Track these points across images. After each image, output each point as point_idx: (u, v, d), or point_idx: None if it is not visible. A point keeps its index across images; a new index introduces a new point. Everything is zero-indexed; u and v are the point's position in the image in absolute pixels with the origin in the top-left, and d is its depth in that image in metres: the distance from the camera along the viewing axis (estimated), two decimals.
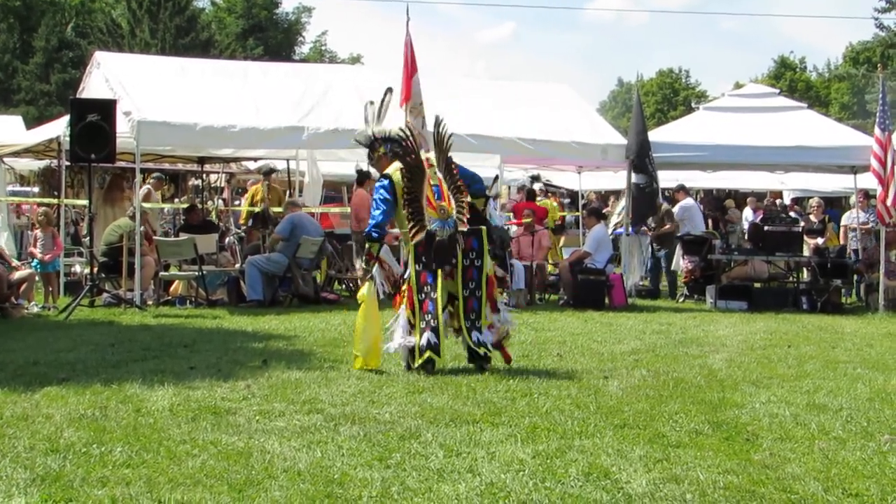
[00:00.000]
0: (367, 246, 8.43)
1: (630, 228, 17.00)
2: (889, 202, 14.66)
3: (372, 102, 8.97)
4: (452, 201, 8.42)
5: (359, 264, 8.49)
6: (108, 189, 16.81)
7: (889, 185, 14.67)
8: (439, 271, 8.29)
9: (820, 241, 18.07)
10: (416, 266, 8.32)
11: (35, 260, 14.20)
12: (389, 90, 9.20)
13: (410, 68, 14.06)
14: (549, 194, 23.79)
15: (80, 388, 7.28)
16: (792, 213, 20.99)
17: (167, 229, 19.25)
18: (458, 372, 8.24)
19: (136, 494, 4.72)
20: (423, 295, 8.31)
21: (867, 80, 57.57)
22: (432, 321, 8.27)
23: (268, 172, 19.19)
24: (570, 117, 16.88)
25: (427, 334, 8.24)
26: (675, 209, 18.07)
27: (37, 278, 13.99)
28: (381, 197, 8.35)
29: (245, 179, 24.44)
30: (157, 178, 20.23)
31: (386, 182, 8.39)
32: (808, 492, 4.97)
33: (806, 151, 16.29)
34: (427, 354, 8.21)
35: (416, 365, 8.21)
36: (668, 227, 17.31)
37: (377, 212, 8.36)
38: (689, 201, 18.75)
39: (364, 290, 8.45)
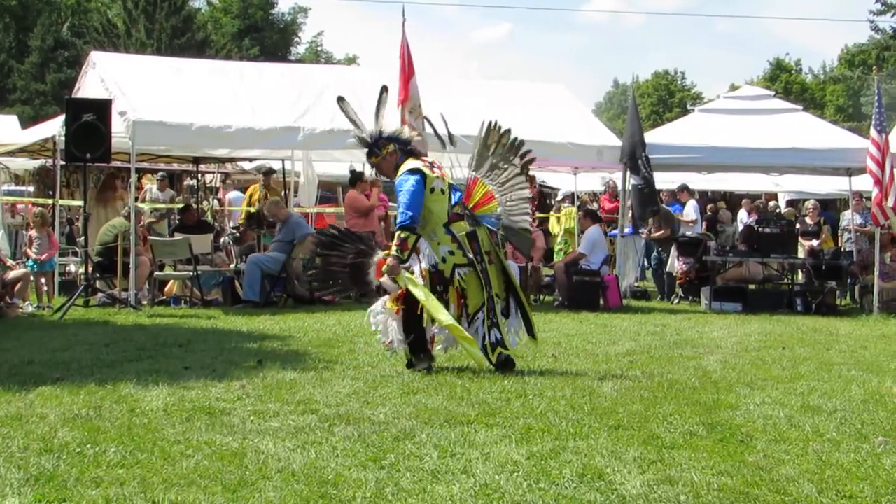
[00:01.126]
0: (401, 236, 8.14)
1: (626, 229, 17.03)
2: (890, 204, 14.64)
3: (342, 99, 8.90)
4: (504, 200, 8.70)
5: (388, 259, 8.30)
6: (101, 189, 16.80)
7: (889, 189, 14.65)
8: (490, 269, 8.42)
9: (815, 242, 18.09)
10: (478, 266, 8.38)
11: (30, 260, 14.19)
12: (385, 88, 9.09)
13: (408, 71, 14.04)
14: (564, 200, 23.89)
15: (74, 387, 7.27)
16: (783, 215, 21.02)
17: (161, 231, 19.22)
18: (452, 373, 8.24)
19: (129, 495, 4.72)
20: (485, 294, 8.41)
21: (862, 83, 57.74)
22: (494, 317, 8.41)
23: (267, 173, 19.18)
24: (566, 118, 16.88)
25: (494, 331, 8.38)
26: (688, 209, 18.27)
27: (32, 278, 13.97)
28: (416, 190, 8.18)
29: (242, 181, 24.44)
30: (161, 177, 20.23)
31: (419, 176, 8.27)
32: (802, 493, 4.97)
33: (801, 153, 16.29)
34: (498, 350, 8.37)
35: (494, 361, 8.35)
36: (663, 231, 17.34)
37: (413, 203, 8.15)
38: (693, 202, 18.93)
39: (407, 283, 8.25)
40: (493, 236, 8.57)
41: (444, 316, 8.09)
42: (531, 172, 22.17)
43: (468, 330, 8.35)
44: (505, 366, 8.39)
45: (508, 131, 8.80)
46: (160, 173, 20.25)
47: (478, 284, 8.40)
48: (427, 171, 8.34)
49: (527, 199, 8.84)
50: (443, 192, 8.39)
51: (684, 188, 19.24)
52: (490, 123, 8.81)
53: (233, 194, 22.98)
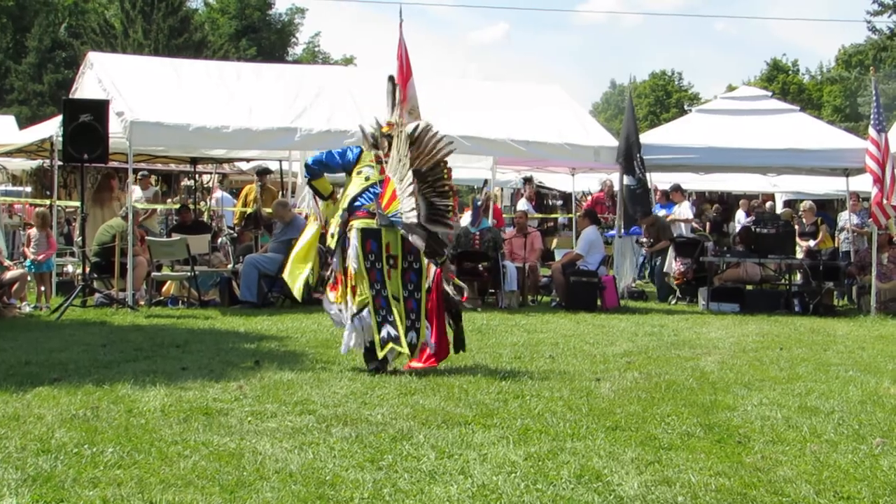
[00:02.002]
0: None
1: (622, 231, 17.03)
2: (886, 199, 14.58)
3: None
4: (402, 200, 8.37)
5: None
6: (97, 190, 16.75)
7: (892, 190, 14.60)
8: (385, 267, 8.40)
9: (812, 243, 18.08)
10: (366, 262, 8.39)
11: (28, 260, 14.17)
12: (390, 78, 9.34)
13: (406, 73, 13.98)
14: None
15: (71, 388, 7.27)
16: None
17: (159, 229, 19.20)
18: (450, 373, 8.25)
19: (127, 495, 4.72)
20: (375, 291, 8.39)
21: (859, 83, 57.67)
22: (388, 315, 8.36)
23: (262, 172, 19.15)
24: (563, 119, 16.88)
25: (386, 328, 8.32)
26: (685, 209, 18.36)
27: (29, 278, 13.95)
28: (340, 152, 8.84)
29: (238, 181, 24.37)
30: (143, 175, 20.17)
31: (357, 150, 8.78)
32: (800, 494, 4.98)
33: (798, 154, 16.28)
34: (389, 346, 8.29)
35: (381, 356, 8.34)
36: (663, 243, 17.36)
37: (324, 155, 8.91)
38: (687, 202, 19.01)
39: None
40: (406, 243, 8.44)
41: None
42: (529, 173, 22.37)
43: (350, 323, 8.41)
44: (381, 366, 8.40)
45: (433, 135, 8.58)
46: (141, 172, 20.19)
47: (366, 281, 8.41)
48: (367, 152, 8.70)
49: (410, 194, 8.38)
50: (367, 178, 8.57)
51: (677, 188, 19.27)
52: (426, 126, 8.64)
53: (219, 195, 22.99)
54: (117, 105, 13.71)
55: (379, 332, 8.32)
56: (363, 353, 8.54)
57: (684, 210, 19.00)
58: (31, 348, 9.52)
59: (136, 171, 20.04)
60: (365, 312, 8.41)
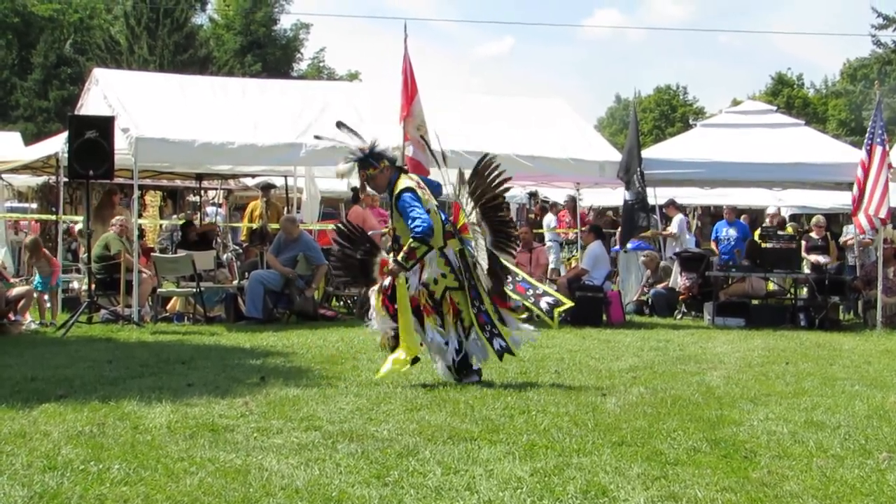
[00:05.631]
0: (412, 245, 8.25)
1: (629, 245, 17.02)
2: (872, 211, 14.53)
3: (341, 123, 9.12)
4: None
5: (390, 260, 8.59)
6: (99, 207, 16.77)
7: (872, 196, 14.52)
8: (478, 284, 8.56)
9: (822, 259, 17.90)
10: (467, 283, 8.52)
11: (37, 276, 14.20)
12: (340, 124, 9.42)
13: (411, 90, 13.97)
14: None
15: (77, 404, 7.28)
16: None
17: (165, 245, 19.22)
18: (456, 389, 8.24)
19: None
20: (476, 309, 8.54)
21: (864, 97, 57.77)
22: (493, 329, 8.55)
23: (265, 188, 19.18)
24: (567, 134, 16.89)
25: (498, 340, 8.53)
26: (674, 224, 18.30)
27: (35, 295, 13.98)
28: (418, 205, 8.34)
29: (244, 196, 24.39)
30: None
31: (413, 193, 8.40)
32: None
33: (803, 168, 16.27)
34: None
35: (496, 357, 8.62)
36: (666, 284, 17.39)
37: (425, 215, 8.29)
38: (680, 216, 18.95)
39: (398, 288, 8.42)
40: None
41: (411, 341, 8.36)
42: (533, 188, 22.28)
43: (465, 343, 8.56)
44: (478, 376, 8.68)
45: (496, 167, 8.74)
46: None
47: (467, 302, 8.52)
48: (418, 190, 8.49)
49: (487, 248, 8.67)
50: (435, 211, 8.55)
51: (671, 203, 19.27)
52: (487, 159, 8.81)
53: (211, 209, 23.06)
54: (122, 121, 13.76)
55: (491, 345, 8.54)
56: (454, 367, 8.60)
57: (672, 225, 18.89)
58: (36, 365, 9.53)
59: (155, 188, 20.08)
60: (473, 333, 8.59)
